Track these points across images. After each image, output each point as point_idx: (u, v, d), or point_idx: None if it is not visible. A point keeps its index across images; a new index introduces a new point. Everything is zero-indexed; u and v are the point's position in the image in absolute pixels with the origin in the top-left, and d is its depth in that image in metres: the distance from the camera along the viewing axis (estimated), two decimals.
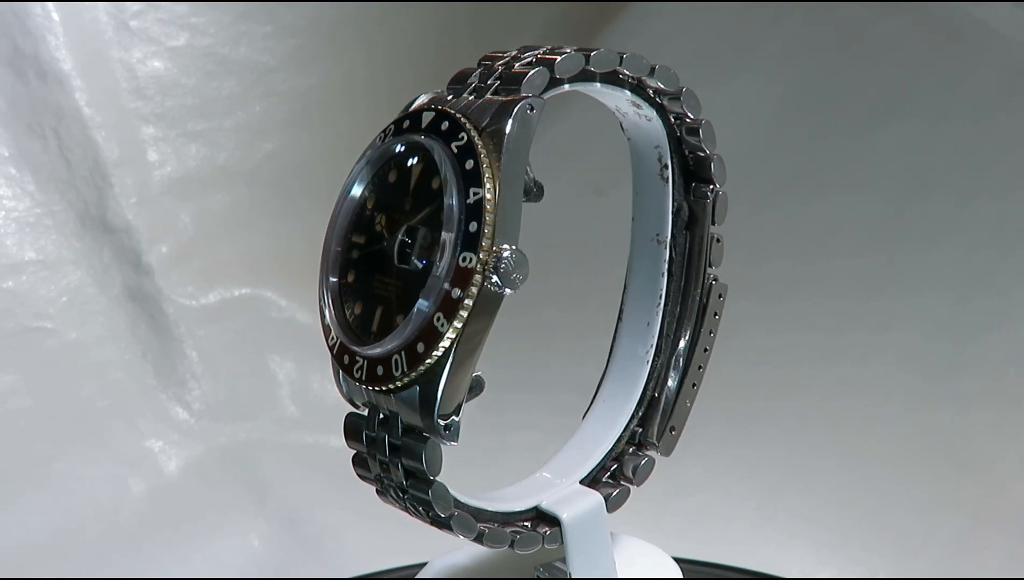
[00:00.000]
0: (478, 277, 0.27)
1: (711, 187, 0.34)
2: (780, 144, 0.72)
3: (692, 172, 0.34)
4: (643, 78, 0.32)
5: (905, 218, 0.69)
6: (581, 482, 0.34)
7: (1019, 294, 0.64)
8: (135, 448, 0.63)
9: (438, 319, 0.27)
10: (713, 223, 0.34)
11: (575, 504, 0.33)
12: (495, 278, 0.27)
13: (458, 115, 0.29)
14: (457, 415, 0.28)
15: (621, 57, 0.31)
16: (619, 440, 0.35)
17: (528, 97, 0.28)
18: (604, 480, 0.35)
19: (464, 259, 0.27)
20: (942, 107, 0.72)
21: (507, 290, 0.27)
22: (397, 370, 0.28)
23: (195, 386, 0.65)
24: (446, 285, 0.27)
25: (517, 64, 0.30)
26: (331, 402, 0.67)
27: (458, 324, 0.27)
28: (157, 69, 0.67)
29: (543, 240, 0.72)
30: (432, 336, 0.28)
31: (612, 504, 0.34)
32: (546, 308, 0.72)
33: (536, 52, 0.30)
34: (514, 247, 0.27)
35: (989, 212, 0.67)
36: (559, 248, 0.74)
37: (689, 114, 0.33)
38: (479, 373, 0.29)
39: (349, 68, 0.73)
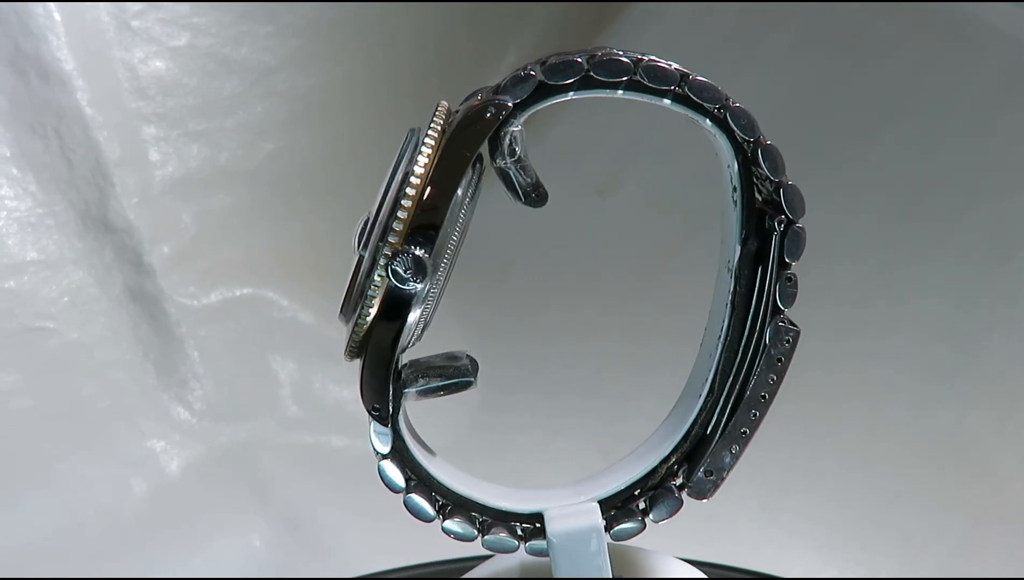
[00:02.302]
0: (382, 270, 0.28)
1: (780, 217, 0.31)
2: (781, 145, 0.72)
3: (765, 199, 0.31)
4: (686, 89, 0.29)
5: (907, 220, 0.69)
6: (603, 502, 0.33)
7: (1021, 296, 0.64)
8: (136, 448, 0.63)
9: (358, 305, 0.29)
10: (783, 259, 0.31)
11: (570, 520, 0.32)
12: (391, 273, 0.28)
13: (441, 111, 0.29)
14: (384, 402, 0.29)
15: (636, 64, 0.29)
16: (654, 472, 0.33)
17: (495, 100, 0.28)
18: (632, 507, 0.33)
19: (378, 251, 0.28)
20: (944, 107, 0.71)
21: (409, 288, 0.28)
22: (344, 347, 0.29)
23: (196, 386, 0.65)
24: (365, 274, 0.28)
25: (529, 66, 0.29)
26: (332, 402, 0.67)
27: (371, 309, 0.28)
28: (159, 69, 0.67)
29: (544, 241, 0.72)
30: (358, 319, 0.29)
31: (623, 533, 0.33)
32: (547, 309, 0.72)
33: (557, 53, 0.29)
34: (419, 251, 0.28)
35: (992, 214, 0.67)
36: (560, 249, 0.74)
37: (744, 134, 0.30)
38: (466, 364, 0.30)
39: (349, 68, 0.73)
